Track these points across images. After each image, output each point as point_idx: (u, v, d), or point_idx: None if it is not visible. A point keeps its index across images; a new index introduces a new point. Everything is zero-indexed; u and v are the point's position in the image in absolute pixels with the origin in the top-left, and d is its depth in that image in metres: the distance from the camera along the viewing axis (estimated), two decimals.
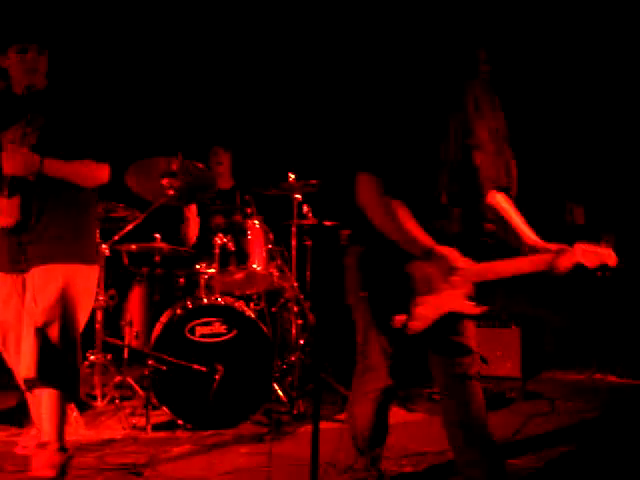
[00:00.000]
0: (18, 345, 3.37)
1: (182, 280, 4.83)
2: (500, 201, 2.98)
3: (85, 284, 3.45)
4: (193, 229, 5.39)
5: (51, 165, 3.33)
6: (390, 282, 2.80)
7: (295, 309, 4.90)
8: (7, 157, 3.30)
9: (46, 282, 3.32)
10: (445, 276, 2.73)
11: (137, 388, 4.61)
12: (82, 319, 3.46)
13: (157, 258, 4.92)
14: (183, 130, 6.01)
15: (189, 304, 4.43)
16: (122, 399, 4.63)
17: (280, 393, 4.55)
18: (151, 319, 4.69)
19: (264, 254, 4.75)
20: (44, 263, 3.34)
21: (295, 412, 4.39)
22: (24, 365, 3.27)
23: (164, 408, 4.21)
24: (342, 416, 4.16)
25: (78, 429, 4.07)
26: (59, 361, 3.28)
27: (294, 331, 4.90)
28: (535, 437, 4.05)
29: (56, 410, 3.29)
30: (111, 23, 5.87)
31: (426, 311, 2.75)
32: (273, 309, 5.02)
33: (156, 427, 4.20)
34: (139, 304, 4.83)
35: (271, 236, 4.83)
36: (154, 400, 4.22)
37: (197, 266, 4.65)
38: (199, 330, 4.34)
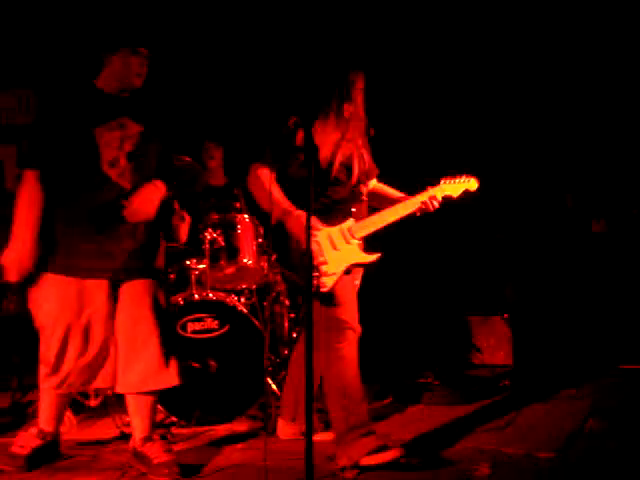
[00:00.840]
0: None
1: (173, 276, 4.81)
2: (375, 185, 3.92)
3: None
4: (184, 226, 5.34)
5: (162, 186, 3.50)
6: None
7: (287, 302, 4.89)
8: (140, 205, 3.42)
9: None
10: (342, 236, 3.51)
11: None
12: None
13: None
14: (173, 125, 5.98)
15: (180, 300, 4.42)
16: (117, 398, 4.61)
17: (274, 387, 4.55)
18: None
19: (254, 248, 4.73)
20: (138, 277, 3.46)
21: None
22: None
23: (158, 406, 4.19)
24: None
25: (71, 429, 4.05)
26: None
27: (286, 324, 4.89)
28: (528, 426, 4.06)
29: (154, 407, 3.56)
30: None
31: (331, 268, 3.47)
32: (265, 303, 5.01)
33: None
34: None
35: (261, 230, 4.82)
36: None
37: (187, 262, 4.63)
38: (191, 326, 4.33)
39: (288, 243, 3.57)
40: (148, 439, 3.47)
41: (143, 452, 3.43)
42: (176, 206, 5.33)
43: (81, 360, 3.39)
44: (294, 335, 4.88)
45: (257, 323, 4.43)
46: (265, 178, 3.54)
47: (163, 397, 4.16)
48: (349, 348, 3.50)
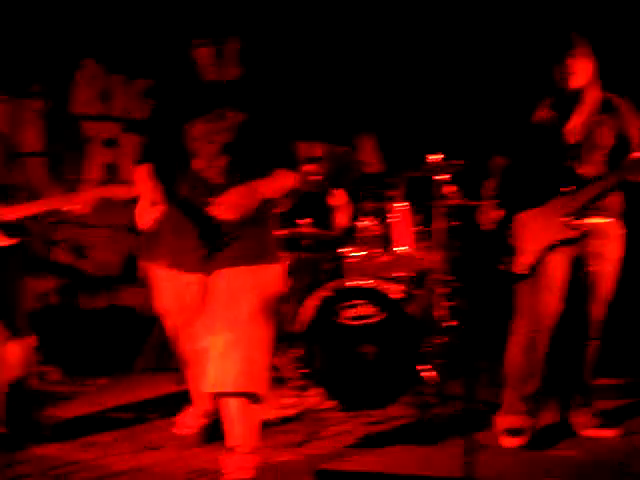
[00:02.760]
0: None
1: (329, 264, 4.89)
2: None
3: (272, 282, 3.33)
4: (342, 215, 5.40)
5: (262, 188, 3.16)
6: None
7: (443, 291, 4.85)
8: (228, 206, 3.09)
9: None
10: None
11: (290, 370, 4.72)
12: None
13: (303, 243, 5.01)
14: (327, 115, 6.07)
15: (336, 287, 4.48)
16: (277, 380, 4.75)
17: (429, 375, 4.53)
18: (298, 302, 4.77)
19: (411, 236, 4.73)
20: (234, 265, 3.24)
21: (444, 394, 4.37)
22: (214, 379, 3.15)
23: (317, 389, 4.29)
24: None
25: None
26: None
27: (442, 313, 4.85)
28: None
29: (244, 414, 3.19)
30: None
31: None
32: (420, 291, 5.00)
33: (309, 408, 4.30)
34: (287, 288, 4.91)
35: (418, 218, 4.81)
36: (306, 381, 4.31)
37: (342, 250, 4.68)
38: (346, 313, 4.38)
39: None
40: (229, 449, 3.24)
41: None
42: (331, 201, 5.40)
43: None
44: (450, 324, 4.83)
45: (412, 311, 4.43)
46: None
47: (319, 381, 4.28)
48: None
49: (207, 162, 3.24)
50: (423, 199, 5.02)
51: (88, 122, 5.96)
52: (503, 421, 3.74)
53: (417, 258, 4.74)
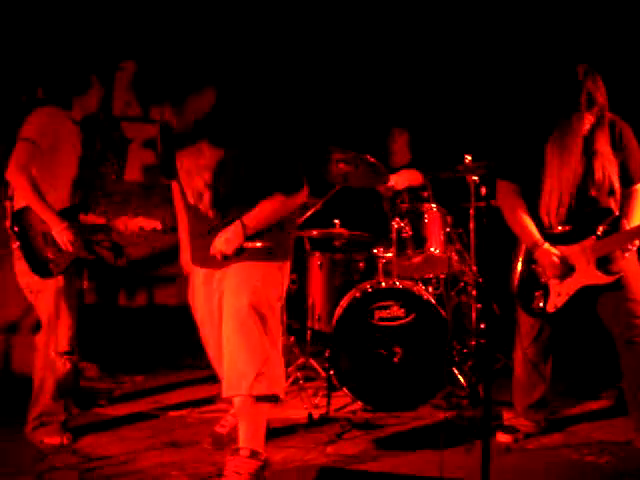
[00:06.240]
0: (216, 344, 3.42)
1: (361, 264, 4.89)
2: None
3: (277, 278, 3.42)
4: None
5: (250, 223, 3.29)
6: None
7: (474, 293, 4.82)
8: (219, 250, 3.31)
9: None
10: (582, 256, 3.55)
11: (319, 370, 4.74)
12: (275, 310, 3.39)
13: (337, 243, 5.03)
14: (363, 111, 6.10)
15: (368, 288, 4.49)
16: (305, 380, 4.78)
17: (460, 378, 4.52)
18: (332, 302, 4.79)
19: (442, 237, 4.71)
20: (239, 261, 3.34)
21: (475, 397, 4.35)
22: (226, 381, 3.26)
23: (344, 389, 4.30)
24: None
25: None
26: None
27: (474, 315, 4.82)
28: None
29: (251, 412, 3.24)
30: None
31: (564, 288, 3.59)
32: (452, 293, 4.98)
33: (337, 408, 4.32)
34: (320, 288, 4.94)
35: (449, 219, 4.79)
36: (335, 382, 4.32)
37: (375, 250, 4.69)
38: (378, 313, 4.38)
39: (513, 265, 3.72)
40: (235, 451, 3.27)
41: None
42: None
43: None
44: (482, 326, 4.80)
45: (443, 312, 4.42)
46: (512, 201, 3.68)
47: (349, 382, 4.29)
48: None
49: (195, 197, 3.39)
50: (455, 200, 5.01)
51: (128, 123, 6.08)
52: (506, 419, 3.92)
53: (449, 260, 4.71)
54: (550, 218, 3.59)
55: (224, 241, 3.30)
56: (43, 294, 3.77)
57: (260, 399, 3.20)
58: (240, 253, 3.31)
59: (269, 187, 3.31)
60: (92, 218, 3.96)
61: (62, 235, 3.68)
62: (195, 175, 3.35)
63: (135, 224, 3.96)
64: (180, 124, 3.37)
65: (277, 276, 3.39)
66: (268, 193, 3.31)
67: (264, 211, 3.33)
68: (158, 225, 3.96)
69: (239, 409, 3.27)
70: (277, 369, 3.28)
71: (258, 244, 3.31)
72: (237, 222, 3.29)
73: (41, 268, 3.70)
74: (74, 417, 4.04)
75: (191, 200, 3.41)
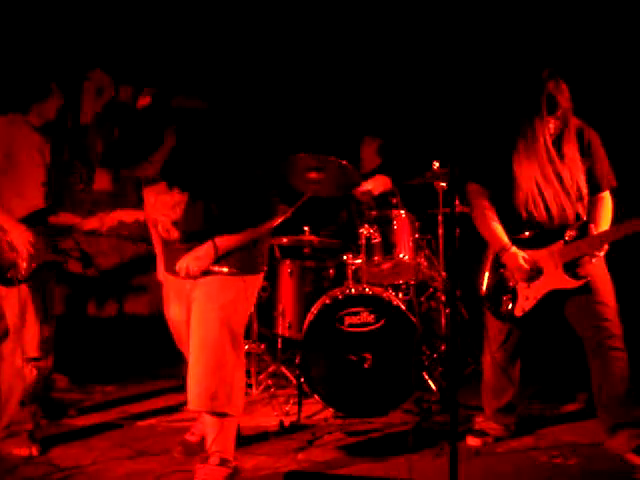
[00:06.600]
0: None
1: (331, 271, 4.91)
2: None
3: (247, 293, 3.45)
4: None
5: (222, 245, 3.33)
6: None
7: (444, 298, 4.87)
8: (185, 266, 3.34)
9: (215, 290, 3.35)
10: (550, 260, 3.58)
11: (290, 377, 4.74)
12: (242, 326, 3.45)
13: (306, 250, 5.05)
14: (334, 120, 6.13)
15: (338, 294, 4.50)
16: (277, 388, 4.78)
17: (430, 383, 4.55)
18: (302, 309, 4.80)
19: (411, 244, 4.75)
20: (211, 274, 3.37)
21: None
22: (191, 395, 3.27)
23: (315, 396, 4.31)
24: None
25: None
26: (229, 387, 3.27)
27: (443, 321, 4.86)
28: None
29: (218, 424, 3.28)
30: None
31: (532, 292, 3.63)
32: (422, 299, 5.02)
33: (309, 415, 4.33)
34: (291, 295, 4.95)
35: (417, 225, 4.83)
36: (306, 388, 4.33)
37: (344, 257, 4.71)
38: (348, 320, 4.39)
39: (482, 269, 3.76)
40: (204, 459, 3.33)
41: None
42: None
43: None
44: (449, 331, 4.84)
45: (413, 318, 4.45)
46: (481, 205, 3.71)
47: (320, 388, 4.29)
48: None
49: (164, 232, 3.42)
50: (423, 207, 5.05)
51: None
52: (477, 423, 3.93)
53: (418, 265, 4.75)
54: (519, 221, 3.63)
55: (194, 258, 3.32)
56: (8, 301, 3.74)
57: (223, 415, 3.25)
58: (206, 274, 3.34)
59: (240, 223, 3.35)
60: (64, 218, 3.90)
61: (20, 237, 3.65)
62: (162, 213, 3.38)
63: (113, 219, 3.87)
64: (151, 172, 3.39)
65: (247, 291, 3.41)
66: (239, 228, 3.35)
67: (238, 236, 3.36)
68: (140, 216, 3.82)
69: (205, 421, 3.32)
70: (239, 386, 3.33)
71: (224, 269, 3.34)
72: (209, 242, 3.32)
73: (2, 276, 3.67)
74: (43, 428, 4.01)
75: (161, 233, 3.44)
